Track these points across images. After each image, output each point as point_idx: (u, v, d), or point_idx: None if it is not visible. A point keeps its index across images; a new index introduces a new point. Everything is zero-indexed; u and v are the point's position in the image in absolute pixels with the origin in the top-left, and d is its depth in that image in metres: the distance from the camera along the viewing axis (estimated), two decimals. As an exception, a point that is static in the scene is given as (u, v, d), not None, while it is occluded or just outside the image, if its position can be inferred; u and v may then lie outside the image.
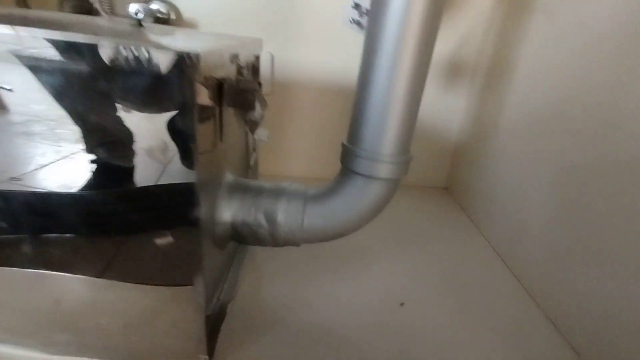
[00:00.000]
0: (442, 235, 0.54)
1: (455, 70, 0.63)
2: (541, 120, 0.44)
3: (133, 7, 0.54)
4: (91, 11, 0.60)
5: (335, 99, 0.64)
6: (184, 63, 0.20)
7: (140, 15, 0.48)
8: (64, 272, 0.26)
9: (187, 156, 0.23)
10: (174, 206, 0.24)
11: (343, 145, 0.35)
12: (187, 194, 0.24)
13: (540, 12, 0.47)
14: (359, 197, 0.34)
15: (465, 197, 0.63)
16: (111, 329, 0.28)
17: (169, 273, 0.26)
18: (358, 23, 0.35)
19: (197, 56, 0.20)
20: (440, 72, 0.63)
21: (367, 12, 0.35)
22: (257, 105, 0.32)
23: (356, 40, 0.48)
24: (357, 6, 0.33)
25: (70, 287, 0.26)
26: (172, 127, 0.22)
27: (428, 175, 0.71)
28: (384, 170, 0.33)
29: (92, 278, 0.26)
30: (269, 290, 0.39)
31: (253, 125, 0.35)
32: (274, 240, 0.35)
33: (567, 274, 0.37)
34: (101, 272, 0.26)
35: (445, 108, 0.66)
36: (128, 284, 0.26)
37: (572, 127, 0.39)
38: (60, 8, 0.60)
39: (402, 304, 0.39)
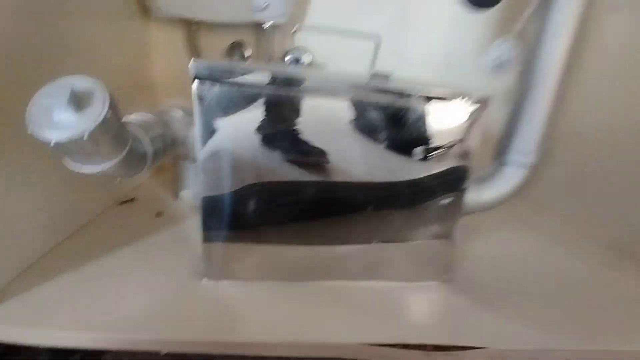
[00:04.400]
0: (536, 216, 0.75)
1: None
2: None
3: (288, 56, 0.75)
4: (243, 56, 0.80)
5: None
6: (486, 102, 0.40)
7: (293, 61, 0.69)
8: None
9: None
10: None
11: (498, 145, 0.55)
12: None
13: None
14: (512, 179, 0.54)
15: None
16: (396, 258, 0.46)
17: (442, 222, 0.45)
18: (496, 69, 0.55)
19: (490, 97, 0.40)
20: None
21: (505, 63, 0.55)
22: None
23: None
24: (498, 58, 0.54)
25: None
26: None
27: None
28: (530, 159, 0.53)
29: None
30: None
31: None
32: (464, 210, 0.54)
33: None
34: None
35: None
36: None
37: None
38: (230, 54, 0.79)
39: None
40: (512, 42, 0.54)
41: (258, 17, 0.71)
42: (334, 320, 0.40)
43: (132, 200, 0.66)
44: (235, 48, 0.79)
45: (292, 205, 0.43)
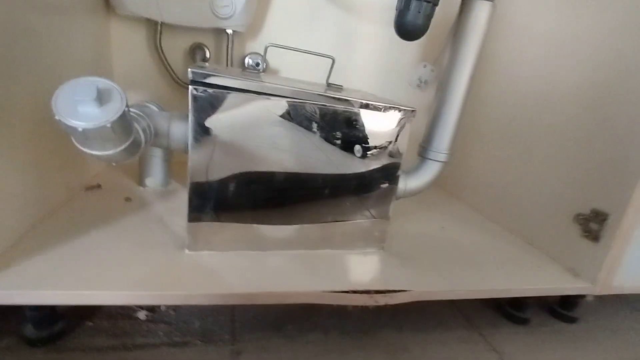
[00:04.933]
0: (440, 201, 0.93)
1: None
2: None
3: (247, 60, 0.85)
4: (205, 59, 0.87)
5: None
6: (411, 114, 0.54)
7: (253, 66, 0.79)
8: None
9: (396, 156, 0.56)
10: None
11: (421, 145, 0.71)
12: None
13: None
14: (430, 171, 0.70)
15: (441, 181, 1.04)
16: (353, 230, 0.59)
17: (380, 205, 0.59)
18: (418, 86, 0.71)
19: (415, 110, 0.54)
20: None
21: (425, 82, 0.71)
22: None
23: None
24: (420, 79, 0.69)
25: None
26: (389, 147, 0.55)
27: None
28: (443, 157, 0.69)
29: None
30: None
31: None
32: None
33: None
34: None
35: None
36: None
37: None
38: (192, 55, 0.85)
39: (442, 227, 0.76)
40: (431, 66, 0.70)
41: (220, 25, 0.79)
42: (299, 277, 0.51)
43: (98, 186, 0.70)
44: (196, 49, 0.85)
45: (266, 192, 0.53)
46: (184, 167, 0.49)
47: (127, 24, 0.81)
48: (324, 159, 0.54)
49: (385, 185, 0.59)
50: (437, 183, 1.08)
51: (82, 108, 0.37)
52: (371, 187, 0.59)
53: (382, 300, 0.50)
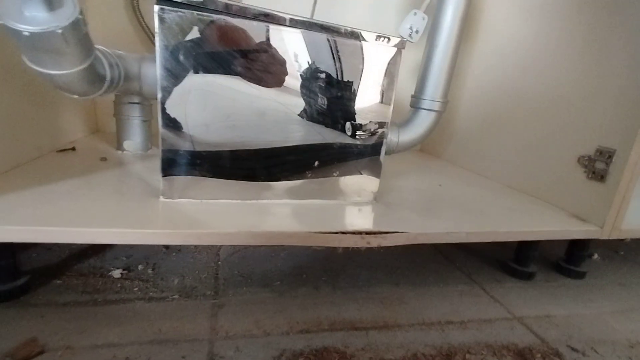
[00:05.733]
0: (436, 166, 0.89)
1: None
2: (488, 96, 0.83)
3: None
4: None
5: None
6: (402, 44, 0.50)
7: None
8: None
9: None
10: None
11: (413, 96, 0.67)
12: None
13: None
14: (424, 122, 0.66)
15: (436, 149, 1.00)
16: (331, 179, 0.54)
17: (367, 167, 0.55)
18: (410, 36, 0.67)
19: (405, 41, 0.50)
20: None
21: (417, 31, 0.67)
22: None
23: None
24: (411, 27, 0.66)
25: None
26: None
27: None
28: (437, 105, 0.65)
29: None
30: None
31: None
32: (388, 150, 0.64)
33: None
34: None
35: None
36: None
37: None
38: None
39: (440, 185, 0.72)
40: (422, 13, 0.66)
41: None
42: (285, 220, 0.47)
43: (72, 149, 0.66)
44: (176, 11, 0.81)
45: (251, 167, 0.49)
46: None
47: (103, -16, 0.77)
48: (308, 95, 0.50)
49: (376, 128, 0.55)
50: (427, 150, 1.05)
51: (28, 12, 0.33)
52: (361, 136, 0.55)
53: (374, 241, 0.45)
